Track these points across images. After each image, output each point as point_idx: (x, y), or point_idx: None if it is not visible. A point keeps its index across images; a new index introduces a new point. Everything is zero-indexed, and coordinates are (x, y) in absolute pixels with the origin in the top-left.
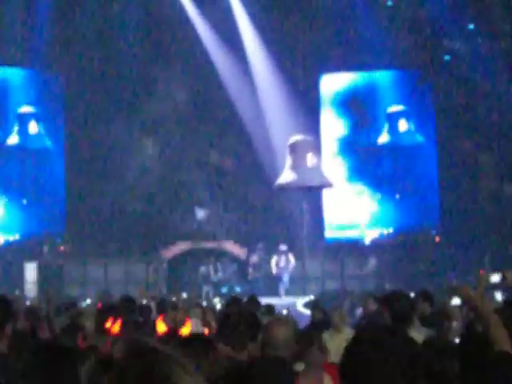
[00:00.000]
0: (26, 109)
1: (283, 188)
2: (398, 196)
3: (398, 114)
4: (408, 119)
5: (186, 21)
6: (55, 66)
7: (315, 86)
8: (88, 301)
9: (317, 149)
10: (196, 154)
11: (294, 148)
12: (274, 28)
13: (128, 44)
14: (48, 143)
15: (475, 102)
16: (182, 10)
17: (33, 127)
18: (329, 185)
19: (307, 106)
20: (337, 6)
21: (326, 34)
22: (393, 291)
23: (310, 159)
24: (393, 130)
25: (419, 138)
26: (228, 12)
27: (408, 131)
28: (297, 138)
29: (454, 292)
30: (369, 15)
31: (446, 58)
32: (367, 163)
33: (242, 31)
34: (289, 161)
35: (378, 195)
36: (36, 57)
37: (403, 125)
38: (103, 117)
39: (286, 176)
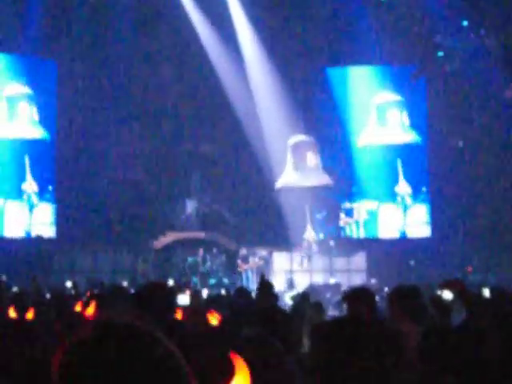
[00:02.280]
0: (16, 89)
1: (284, 189)
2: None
3: (390, 105)
4: (401, 112)
5: (180, 12)
6: (46, 52)
7: (309, 81)
8: (69, 283)
9: (315, 148)
10: (187, 144)
11: (294, 148)
12: (270, 22)
13: (120, 33)
14: (40, 131)
15: (468, 98)
16: (178, 6)
17: (24, 110)
18: (327, 184)
19: (302, 101)
20: (331, 1)
21: (321, 29)
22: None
23: (310, 159)
24: (382, 123)
25: (414, 136)
26: (225, 7)
27: (402, 126)
28: (297, 138)
29: (445, 286)
30: (363, 11)
31: (440, 54)
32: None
33: (237, 25)
34: (290, 162)
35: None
36: (27, 42)
37: (395, 118)
38: (94, 106)
39: (288, 178)
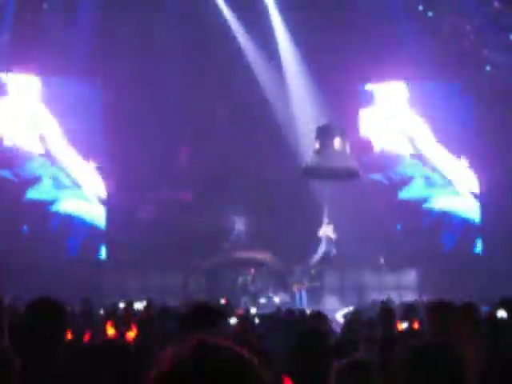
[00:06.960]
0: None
1: (308, 173)
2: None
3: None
4: None
5: (226, 31)
6: (94, 76)
7: (354, 96)
8: (121, 304)
9: (344, 134)
10: (235, 164)
11: (320, 132)
12: (312, 36)
13: (168, 54)
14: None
15: None
16: (222, 21)
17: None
18: (355, 172)
19: (345, 115)
20: (377, 16)
21: (366, 44)
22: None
23: (337, 143)
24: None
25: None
26: (268, 22)
27: None
28: (325, 123)
29: (502, 305)
30: (409, 25)
31: (487, 68)
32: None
33: (280, 39)
34: (315, 145)
35: None
36: (76, 67)
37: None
38: (140, 128)
39: (311, 159)
